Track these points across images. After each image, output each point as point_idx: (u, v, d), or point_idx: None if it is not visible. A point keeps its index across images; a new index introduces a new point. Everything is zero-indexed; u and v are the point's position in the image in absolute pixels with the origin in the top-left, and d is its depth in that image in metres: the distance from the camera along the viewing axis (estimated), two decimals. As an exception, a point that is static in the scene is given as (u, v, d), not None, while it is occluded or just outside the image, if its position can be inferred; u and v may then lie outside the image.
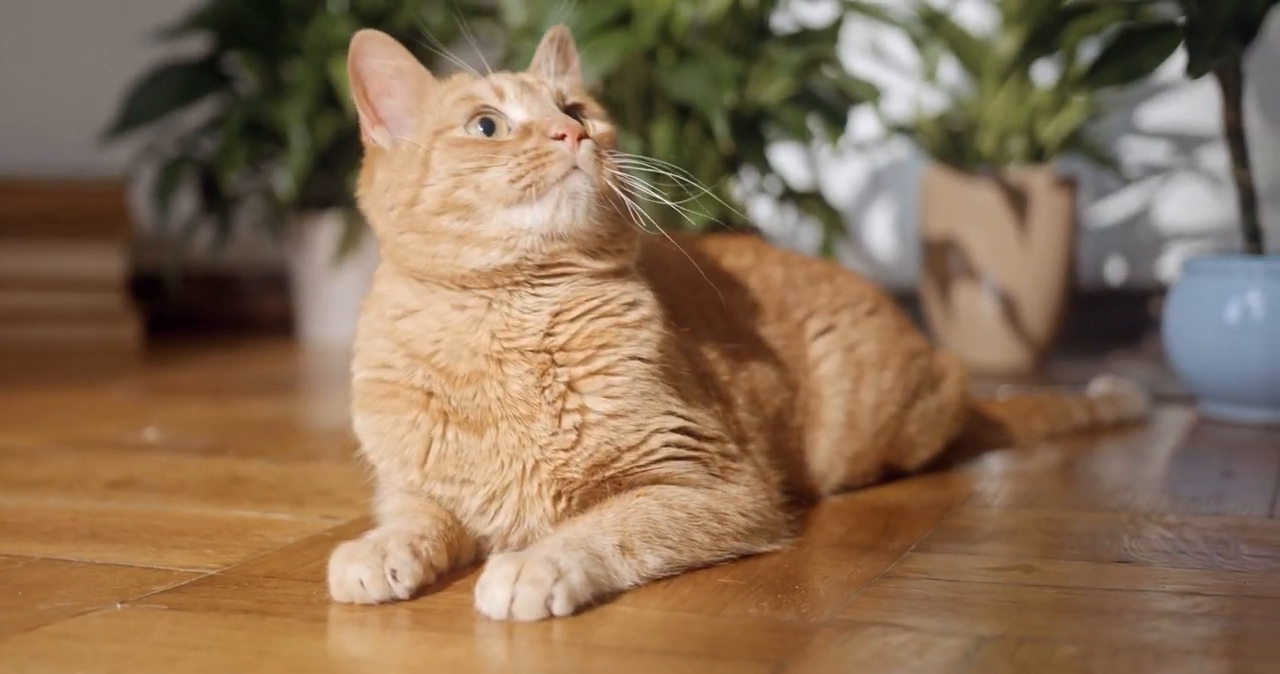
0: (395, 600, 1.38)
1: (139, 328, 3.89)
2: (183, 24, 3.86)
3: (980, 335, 3.41)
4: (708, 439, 1.56)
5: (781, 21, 3.24)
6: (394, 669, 1.23)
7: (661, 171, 1.57)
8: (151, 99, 3.83)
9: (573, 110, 1.52)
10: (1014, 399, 2.45)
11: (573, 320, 1.49)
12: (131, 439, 2.37)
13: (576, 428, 1.47)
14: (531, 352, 1.47)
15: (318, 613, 1.36)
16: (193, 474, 2.09)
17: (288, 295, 4.21)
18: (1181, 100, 3.75)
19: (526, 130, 1.45)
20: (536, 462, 1.47)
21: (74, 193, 3.87)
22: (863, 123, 3.76)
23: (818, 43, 3.03)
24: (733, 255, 1.91)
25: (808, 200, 3.21)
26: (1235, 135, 2.57)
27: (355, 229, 3.86)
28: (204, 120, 3.98)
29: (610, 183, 1.46)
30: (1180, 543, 1.66)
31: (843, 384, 1.88)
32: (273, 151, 3.92)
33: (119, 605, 1.38)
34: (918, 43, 3.30)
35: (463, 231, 1.44)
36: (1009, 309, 3.39)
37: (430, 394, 1.49)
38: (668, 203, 1.56)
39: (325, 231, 3.91)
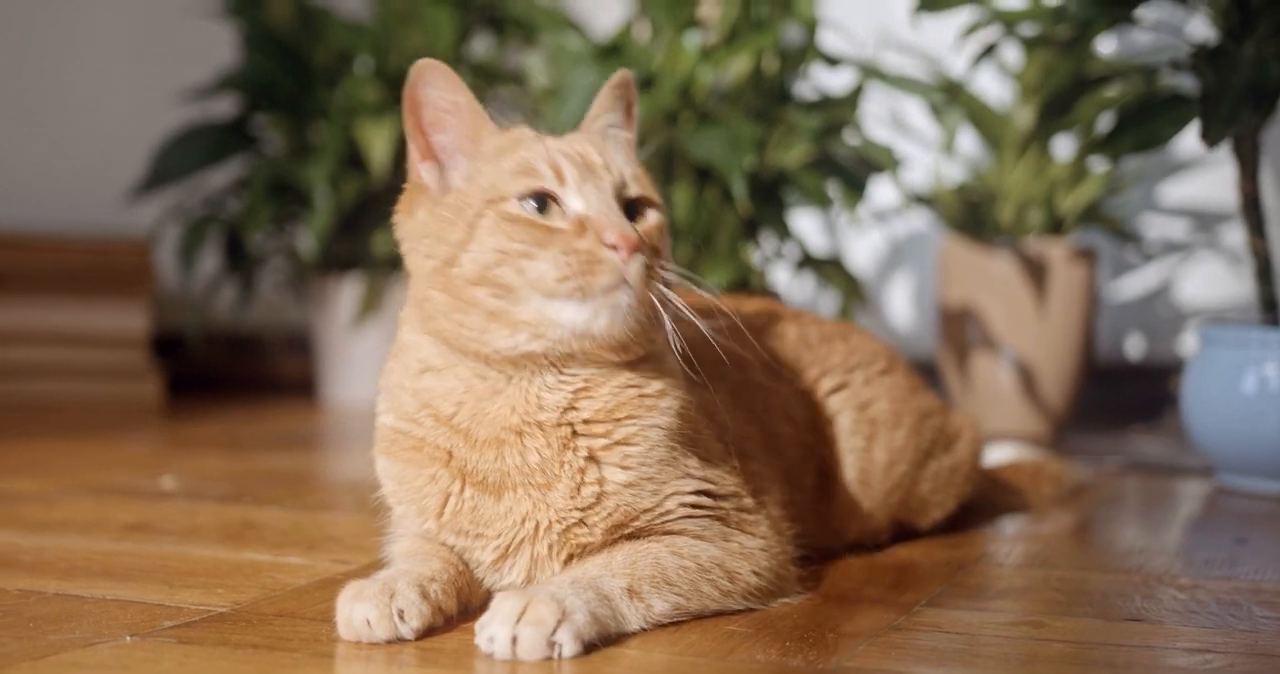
0: (401, 640, 1.37)
1: (160, 385, 3.91)
2: (212, 85, 3.92)
3: (997, 405, 3.41)
4: (725, 496, 1.56)
5: (803, 90, 3.27)
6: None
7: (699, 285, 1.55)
8: (179, 158, 3.88)
9: (631, 202, 1.48)
10: (1017, 464, 2.45)
11: (595, 398, 1.47)
12: (149, 487, 2.38)
13: (596, 496, 1.47)
14: (552, 426, 1.46)
15: (325, 649, 1.36)
16: (207, 519, 2.10)
17: (309, 356, 4.23)
18: (1201, 177, 3.77)
19: (582, 226, 1.40)
20: (551, 522, 1.47)
21: (99, 250, 3.91)
22: (882, 192, 3.79)
23: (837, 109, 3.06)
24: (747, 315, 1.91)
25: (827, 267, 3.23)
26: (1251, 205, 2.59)
27: (377, 291, 3.89)
28: (230, 180, 4.03)
29: (651, 295, 1.42)
30: (1193, 604, 1.65)
31: (855, 442, 1.88)
32: (297, 212, 3.96)
33: (129, 638, 1.39)
34: (936, 111, 3.34)
35: (495, 309, 1.41)
36: (1026, 379, 3.39)
37: (451, 454, 1.49)
38: (705, 330, 1.51)
39: (347, 293, 3.94)
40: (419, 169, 1.49)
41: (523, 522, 1.47)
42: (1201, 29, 3.11)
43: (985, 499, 2.23)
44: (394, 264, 3.92)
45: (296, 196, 3.88)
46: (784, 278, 3.68)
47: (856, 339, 2.01)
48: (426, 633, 1.40)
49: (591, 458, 1.47)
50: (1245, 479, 2.58)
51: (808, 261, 3.23)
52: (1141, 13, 2.66)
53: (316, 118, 3.90)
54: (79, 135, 4.30)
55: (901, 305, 4.09)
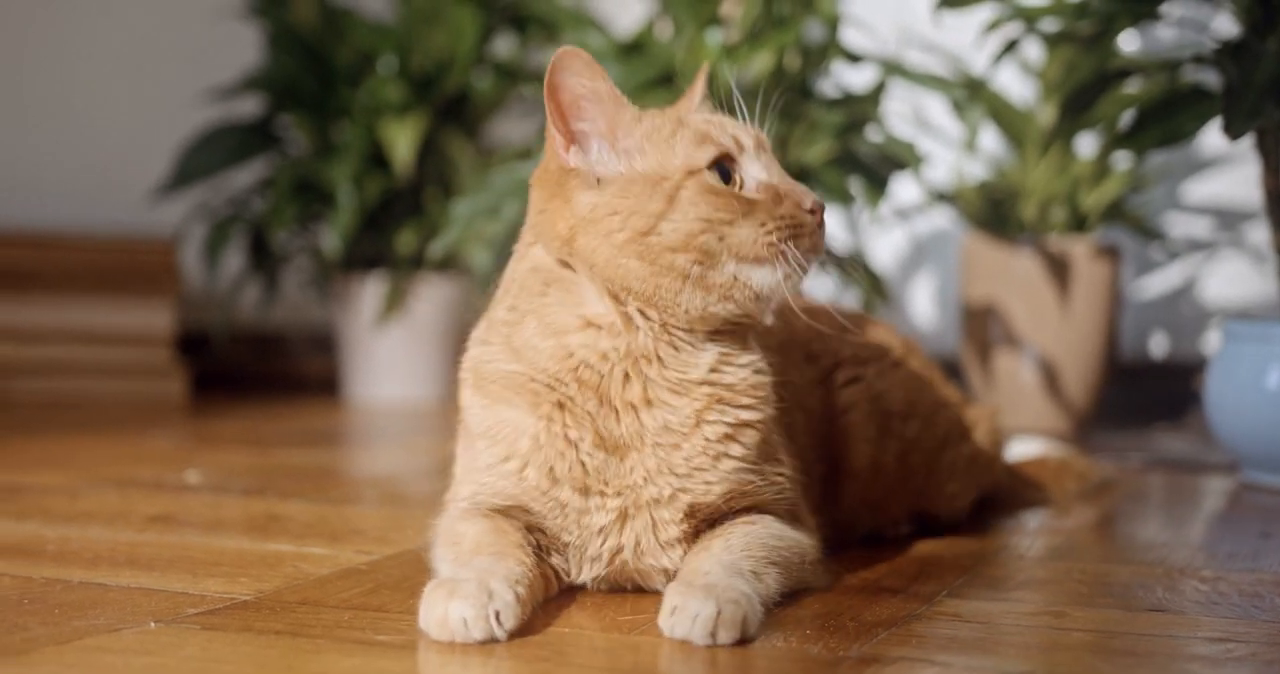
0: (494, 642, 1.34)
1: (185, 383, 3.93)
2: (236, 85, 3.94)
3: (1020, 402, 3.40)
4: (791, 481, 1.62)
5: (824, 87, 3.28)
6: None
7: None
8: (204, 158, 3.90)
9: None
10: (1042, 459, 2.45)
11: (739, 365, 1.53)
12: (173, 480, 2.39)
13: (731, 472, 1.52)
14: (696, 384, 1.51)
15: (348, 635, 1.37)
16: (231, 512, 2.11)
17: (333, 356, 4.25)
18: (1226, 175, 3.75)
19: (776, 194, 1.48)
20: (674, 491, 1.50)
21: (125, 249, 3.93)
22: (905, 190, 3.78)
23: (860, 106, 3.06)
24: None
25: (848, 264, 3.22)
26: (1275, 201, 2.58)
27: (400, 289, 3.91)
28: (255, 180, 4.05)
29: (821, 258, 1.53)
30: (1215, 595, 1.65)
31: (868, 432, 1.88)
32: (321, 211, 3.98)
33: (153, 624, 1.40)
34: (958, 108, 3.33)
35: (695, 275, 1.46)
36: (1049, 377, 3.38)
37: (590, 413, 1.50)
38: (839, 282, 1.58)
39: (371, 292, 3.96)
40: (566, 154, 1.50)
41: (645, 483, 1.50)
42: (1226, 25, 3.10)
43: (1009, 493, 2.22)
44: (417, 263, 3.94)
45: (320, 196, 3.89)
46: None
47: (871, 330, 2.01)
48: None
49: (733, 433, 1.52)
50: (1270, 475, 2.56)
51: (830, 258, 3.23)
52: (1165, 8, 2.66)
53: (340, 117, 3.92)
54: (104, 135, 4.33)
55: (924, 303, 4.09)
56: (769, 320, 1.58)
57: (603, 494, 1.50)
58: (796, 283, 1.49)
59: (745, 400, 1.53)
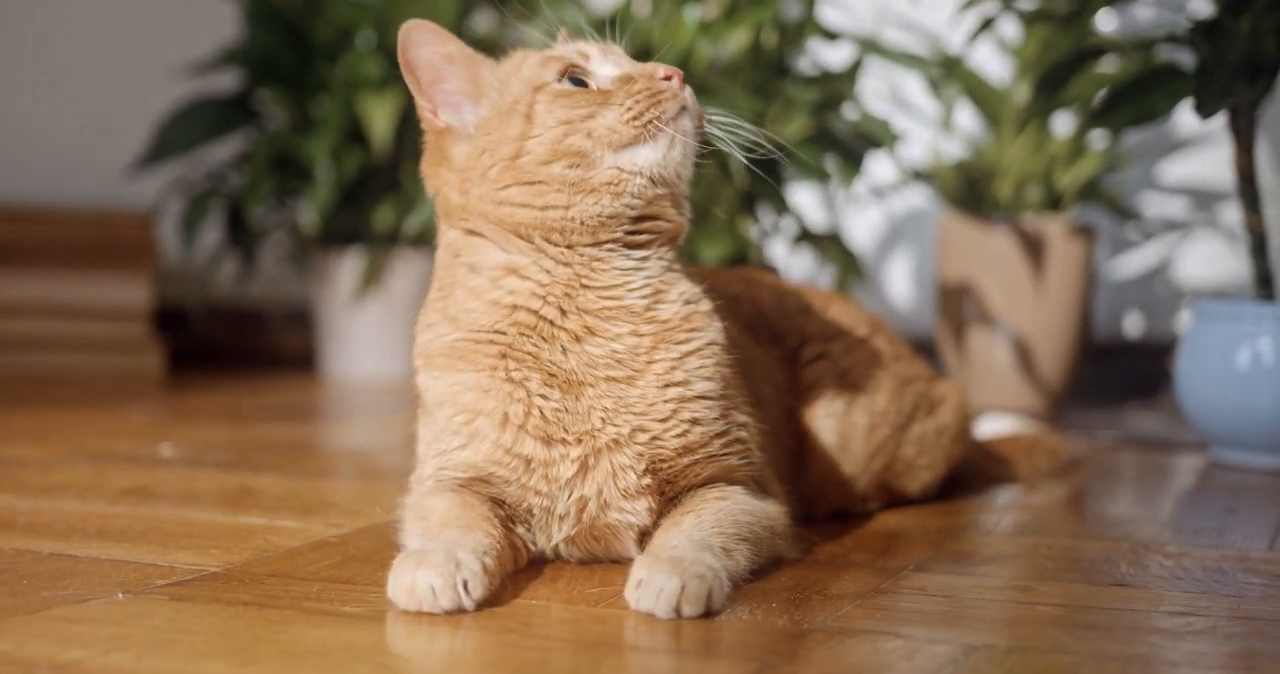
0: (461, 611, 1.35)
1: (162, 358, 3.93)
2: (214, 60, 3.93)
3: (994, 380, 3.42)
4: (756, 446, 1.63)
5: (801, 64, 3.28)
6: (385, 655, 1.25)
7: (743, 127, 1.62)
8: (182, 132, 3.89)
9: None
10: (1014, 436, 2.46)
11: (671, 301, 1.55)
12: (147, 454, 2.39)
13: (678, 400, 1.52)
14: (637, 314, 1.52)
15: (316, 607, 1.37)
16: (204, 485, 2.12)
17: (310, 332, 4.24)
18: (1201, 156, 3.77)
19: (629, 78, 1.51)
20: (633, 429, 1.50)
21: (103, 224, 3.92)
22: (881, 168, 3.79)
23: (836, 83, 3.06)
24: (722, 283, 1.93)
25: (825, 243, 3.23)
26: (1247, 181, 2.59)
27: (378, 265, 3.90)
28: (232, 154, 4.04)
29: (704, 126, 1.55)
30: (1179, 570, 1.66)
31: (835, 407, 1.90)
32: (298, 186, 3.97)
33: (121, 595, 1.40)
34: (934, 86, 3.34)
35: (574, 179, 1.48)
36: (1023, 356, 3.40)
37: (535, 356, 1.51)
38: (739, 155, 1.61)
39: (348, 267, 3.95)
40: (439, 117, 1.56)
41: (604, 425, 1.50)
42: (1202, 4, 3.11)
43: (979, 470, 2.24)
44: (394, 238, 3.94)
45: (298, 171, 3.89)
46: (782, 253, 3.69)
47: (838, 308, 2.02)
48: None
49: (678, 363, 1.53)
50: (1239, 453, 2.58)
51: (806, 237, 3.24)
52: (1141, -13, 2.67)
53: (318, 92, 3.91)
54: (82, 109, 4.31)
55: (901, 282, 4.10)
56: (683, 219, 1.58)
57: (564, 442, 1.50)
58: (684, 151, 1.52)
59: (681, 336, 1.54)
